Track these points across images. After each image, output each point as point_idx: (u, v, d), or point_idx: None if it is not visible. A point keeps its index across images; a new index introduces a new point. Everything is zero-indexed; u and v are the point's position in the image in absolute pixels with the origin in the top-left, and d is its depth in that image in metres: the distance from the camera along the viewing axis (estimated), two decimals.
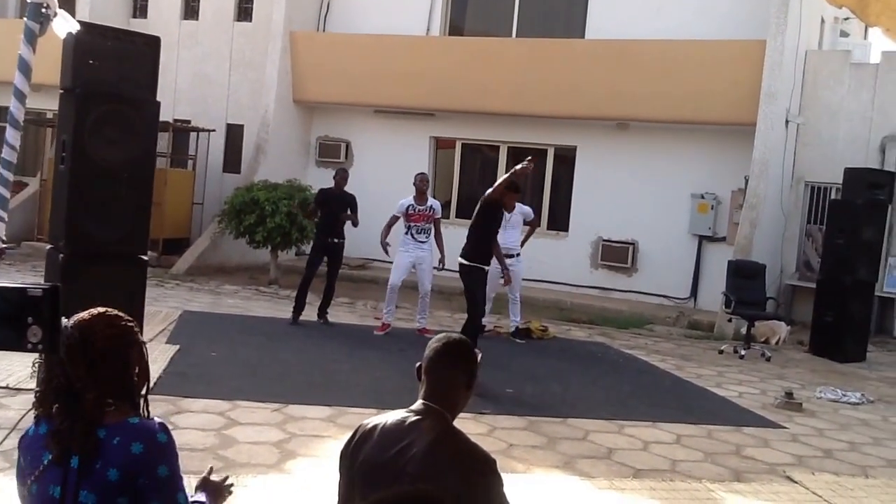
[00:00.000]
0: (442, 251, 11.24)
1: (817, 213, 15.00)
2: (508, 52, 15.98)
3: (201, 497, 2.83)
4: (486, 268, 9.51)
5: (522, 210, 11.70)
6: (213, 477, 2.95)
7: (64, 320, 2.37)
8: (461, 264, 9.47)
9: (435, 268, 11.28)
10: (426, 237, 11.20)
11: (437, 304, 11.55)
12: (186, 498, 2.53)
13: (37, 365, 2.50)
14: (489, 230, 9.47)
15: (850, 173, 12.67)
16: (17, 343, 1.29)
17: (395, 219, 11.30)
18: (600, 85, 14.98)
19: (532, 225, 12.06)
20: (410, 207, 11.20)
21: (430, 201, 11.34)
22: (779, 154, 14.43)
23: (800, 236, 15.30)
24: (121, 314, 2.60)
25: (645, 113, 14.97)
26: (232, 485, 2.99)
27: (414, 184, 11.37)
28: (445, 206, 16.86)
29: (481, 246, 9.38)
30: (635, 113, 15.10)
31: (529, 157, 9.23)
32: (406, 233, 11.23)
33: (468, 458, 2.79)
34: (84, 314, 2.52)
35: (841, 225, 12.48)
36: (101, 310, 2.57)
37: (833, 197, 14.14)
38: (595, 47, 15.50)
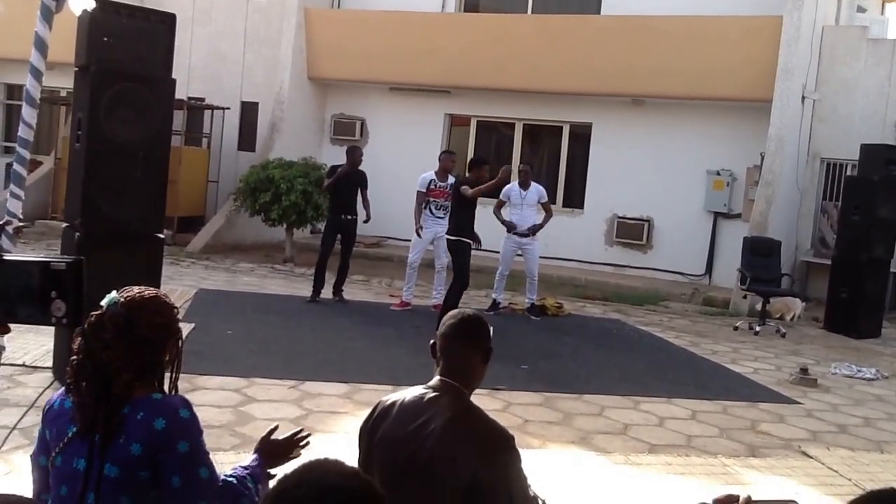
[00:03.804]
0: None
1: (833, 189, 14.93)
2: (524, 29, 15.91)
3: (252, 460, 2.83)
4: (472, 242, 10.47)
5: (538, 190, 11.68)
6: (277, 435, 2.93)
7: (114, 293, 2.38)
8: (449, 240, 10.56)
9: None
10: (444, 213, 11.22)
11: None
12: (211, 473, 2.54)
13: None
14: (471, 209, 10.47)
15: (867, 149, 12.60)
16: (41, 317, 1.30)
17: (421, 195, 11.33)
18: (616, 61, 14.91)
19: (547, 209, 11.84)
20: (433, 183, 11.27)
21: (451, 179, 11.36)
22: (794, 130, 14.36)
23: (815, 213, 15.24)
24: (168, 301, 2.60)
25: (661, 89, 14.90)
26: (306, 437, 2.94)
27: (439, 159, 11.50)
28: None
29: (465, 223, 10.38)
30: (651, 89, 15.03)
31: (504, 168, 10.62)
32: (425, 208, 11.29)
33: (486, 435, 2.81)
34: (135, 292, 2.52)
35: (857, 201, 12.44)
36: (152, 293, 2.57)
37: (849, 173, 14.08)
38: (610, 23, 15.43)
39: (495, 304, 11.48)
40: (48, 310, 1.26)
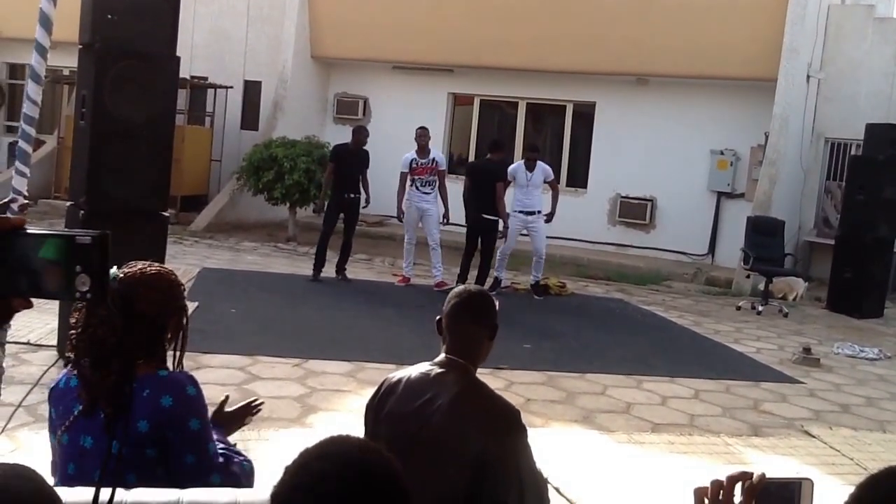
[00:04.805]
0: (445, 204, 11.45)
1: (837, 169, 14.90)
2: (528, 7, 15.80)
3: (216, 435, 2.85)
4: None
5: (544, 170, 11.63)
6: (229, 408, 2.98)
7: (114, 269, 2.37)
8: (487, 219, 11.05)
9: (441, 223, 11.46)
10: (431, 189, 11.41)
11: (456, 260, 11.61)
12: (216, 448, 2.57)
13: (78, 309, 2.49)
14: (493, 189, 11.04)
15: (872, 129, 12.56)
16: (66, 292, 1.29)
17: (404, 176, 11.50)
18: (620, 40, 14.85)
19: (553, 187, 11.94)
20: (413, 161, 11.41)
21: (433, 153, 11.49)
22: (799, 110, 14.31)
23: (819, 193, 15.21)
24: (170, 276, 2.57)
25: (665, 68, 14.85)
26: (258, 405, 3.02)
27: (414, 139, 11.51)
28: (462, 162, 16.83)
29: (493, 202, 10.99)
30: (655, 68, 14.98)
31: None
32: (412, 185, 11.45)
33: (493, 411, 2.82)
34: (136, 269, 2.50)
35: (861, 181, 12.41)
36: (155, 269, 2.54)
37: (853, 153, 14.05)
38: (616, 2, 15.32)
39: (497, 283, 11.48)
40: (73, 284, 1.26)
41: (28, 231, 1.30)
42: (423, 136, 11.50)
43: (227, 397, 3.03)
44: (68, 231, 1.32)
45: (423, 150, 11.42)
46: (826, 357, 9.23)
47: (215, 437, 2.78)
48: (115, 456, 2.16)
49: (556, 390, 7.22)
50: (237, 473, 2.64)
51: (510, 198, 11.53)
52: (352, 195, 11.36)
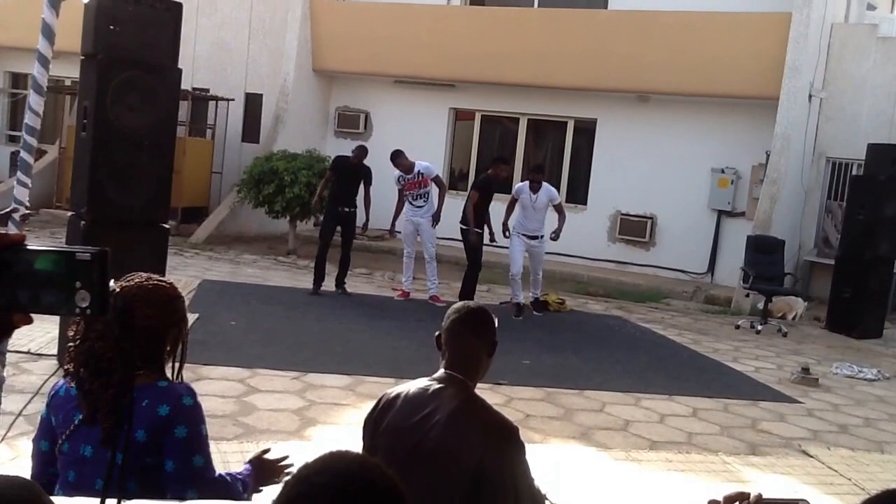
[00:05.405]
0: (438, 208, 11.56)
1: (838, 189, 14.89)
2: (530, 23, 15.87)
3: (245, 469, 2.82)
4: (477, 230, 11.21)
5: (549, 192, 11.39)
6: (269, 456, 2.94)
7: (111, 283, 2.36)
8: (464, 230, 11.20)
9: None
10: (423, 202, 11.55)
11: (455, 274, 11.61)
12: (207, 463, 2.54)
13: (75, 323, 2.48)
14: (486, 201, 11.31)
15: (873, 149, 12.55)
16: (66, 307, 1.30)
17: (400, 193, 11.69)
18: (622, 57, 14.87)
19: (559, 211, 11.47)
20: (401, 178, 11.59)
21: (417, 166, 11.56)
22: (801, 129, 14.32)
23: (819, 212, 15.20)
24: (168, 289, 2.56)
25: (666, 86, 14.87)
26: (290, 465, 2.93)
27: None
28: (463, 177, 16.88)
29: (480, 214, 11.17)
30: (657, 86, 15.00)
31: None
32: (406, 200, 11.63)
33: (491, 427, 2.82)
34: (133, 283, 2.49)
35: (862, 201, 12.39)
36: (153, 282, 2.53)
37: (855, 173, 14.05)
38: (618, 18, 15.39)
39: (519, 308, 11.18)
40: (72, 300, 1.26)
41: (28, 246, 1.31)
42: (399, 164, 11.51)
43: (269, 449, 3.00)
44: (68, 247, 1.32)
45: (404, 170, 11.50)
46: (824, 377, 9.22)
47: (241, 472, 2.76)
48: (117, 466, 2.15)
49: (555, 406, 7.22)
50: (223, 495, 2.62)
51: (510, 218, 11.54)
52: (346, 209, 11.40)
